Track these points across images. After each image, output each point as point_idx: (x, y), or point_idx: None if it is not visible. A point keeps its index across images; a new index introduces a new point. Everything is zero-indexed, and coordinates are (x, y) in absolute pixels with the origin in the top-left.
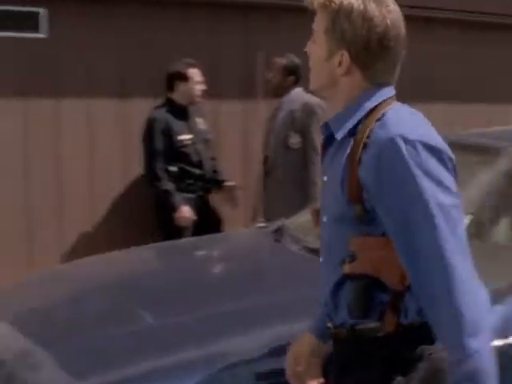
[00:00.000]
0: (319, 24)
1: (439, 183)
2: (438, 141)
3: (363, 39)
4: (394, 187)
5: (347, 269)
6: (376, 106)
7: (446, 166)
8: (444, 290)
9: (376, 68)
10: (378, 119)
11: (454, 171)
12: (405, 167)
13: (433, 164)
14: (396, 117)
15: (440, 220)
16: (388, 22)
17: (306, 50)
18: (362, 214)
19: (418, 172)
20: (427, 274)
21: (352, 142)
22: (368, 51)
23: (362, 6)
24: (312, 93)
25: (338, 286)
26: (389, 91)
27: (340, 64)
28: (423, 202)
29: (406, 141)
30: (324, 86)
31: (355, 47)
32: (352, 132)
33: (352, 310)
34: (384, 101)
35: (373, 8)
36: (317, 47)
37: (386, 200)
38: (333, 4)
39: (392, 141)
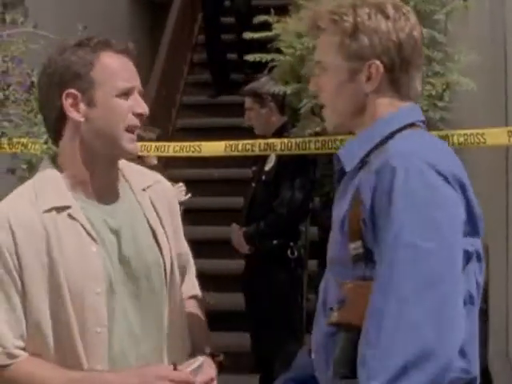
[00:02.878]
0: (328, 46)
1: (426, 220)
2: (445, 164)
3: (394, 42)
4: (381, 212)
5: (334, 317)
6: (392, 134)
7: (446, 198)
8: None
9: (403, 80)
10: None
11: (468, 210)
12: (392, 191)
13: (429, 193)
14: (403, 139)
15: (401, 267)
16: (412, 21)
17: (312, 88)
18: (359, 254)
19: (402, 201)
20: (368, 311)
21: (361, 172)
22: (402, 57)
23: (379, 9)
24: None
25: (329, 338)
26: (409, 115)
27: (369, 78)
28: (393, 237)
29: (405, 162)
30: (349, 114)
31: (387, 54)
32: (362, 161)
33: (336, 367)
34: (403, 127)
35: (390, 8)
36: (330, 74)
37: (375, 227)
38: (345, 16)
39: (390, 161)
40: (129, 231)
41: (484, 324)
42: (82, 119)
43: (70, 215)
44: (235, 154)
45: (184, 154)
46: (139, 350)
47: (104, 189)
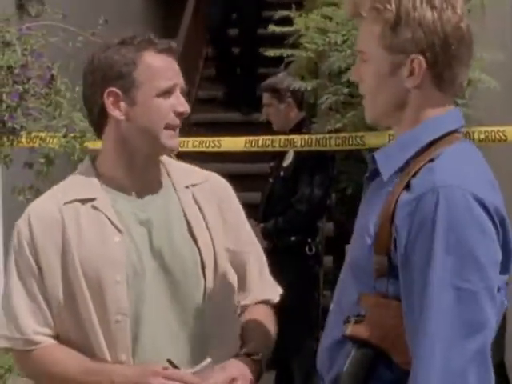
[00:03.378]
0: (369, 36)
1: (470, 261)
2: (491, 199)
3: (439, 36)
4: (418, 244)
5: (349, 331)
6: (435, 141)
7: (490, 236)
8: None
9: (447, 76)
10: (432, 159)
11: (504, 248)
12: (434, 226)
13: (473, 231)
14: (449, 162)
15: (443, 307)
16: (459, 11)
17: (353, 77)
18: (384, 269)
19: (445, 238)
20: (415, 359)
21: (397, 181)
22: (447, 52)
23: None
24: None
25: (339, 344)
26: (454, 120)
27: (412, 73)
28: (433, 275)
29: (450, 195)
30: (390, 108)
31: (432, 49)
32: (401, 168)
33: (343, 382)
34: (447, 134)
35: None
36: (371, 65)
37: (407, 254)
38: (387, 5)
39: (435, 190)
40: (162, 226)
41: (501, 318)
42: (123, 117)
43: (94, 206)
44: (255, 149)
45: (203, 149)
46: (177, 345)
47: (140, 183)
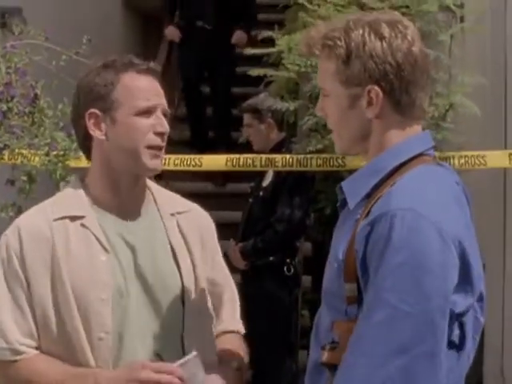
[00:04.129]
0: (325, 73)
1: (414, 284)
2: (449, 223)
3: (391, 64)
4: (371, 263)
5: (325, 357)
6: (400, 166)
7: (441, 257)
8: None
9: (406, 101)
10: (394, 184)
11: (464, 272)
12: (385, 246)
13: (421, 253)
14: (406, 186)
15: (376, 327)
16: (409, 38)
17: (318, 113)
18: (354, 296)
19: (394, 259)
20: (342, 363)
21: (363, 209)
22: (402, 78)
23: (373, 30)
24: None
25: (318, 367)
26: (419, 144)
27: (370, 103)
28: (378, 294)
29: (403, 218)
30: (356, 140)
31: (385, 78)
32: (367, 196)
33: None
34: (413, 158)
35: (385, 27)
36: (331, 100)
37: (363, 274)
38: (338, 41)
39: (388, 214)
40: (147, 249)
41: (480, 341)
42: (104, 137)
43: (82, 224)
44: (236, 169)
45: (184, 167)
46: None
47: (127, 205)
